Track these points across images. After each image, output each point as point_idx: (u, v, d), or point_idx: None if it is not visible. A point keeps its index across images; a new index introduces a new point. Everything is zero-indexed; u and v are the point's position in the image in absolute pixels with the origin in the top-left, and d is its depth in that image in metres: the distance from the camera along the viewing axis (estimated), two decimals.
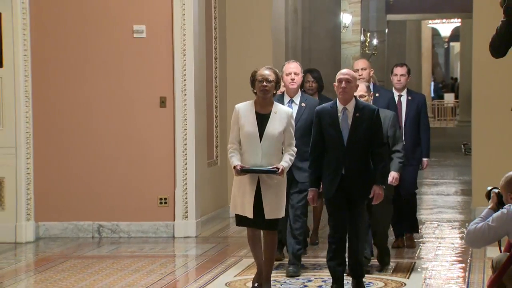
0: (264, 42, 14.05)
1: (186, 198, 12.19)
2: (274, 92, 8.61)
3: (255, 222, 8.52)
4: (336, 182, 8.46)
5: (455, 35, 43.45)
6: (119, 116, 12.15)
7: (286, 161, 8.48)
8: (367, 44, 30.85)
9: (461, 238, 12.47)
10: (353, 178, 8.45)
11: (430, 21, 40.98)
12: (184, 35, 12.06)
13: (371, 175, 8.55)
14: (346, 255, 8.68)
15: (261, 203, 8.46)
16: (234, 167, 8.41)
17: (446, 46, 48.97)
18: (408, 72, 11.45)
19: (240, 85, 12.25)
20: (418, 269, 10.25)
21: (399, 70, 11.38)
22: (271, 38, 14.35)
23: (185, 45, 12.06)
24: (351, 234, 8.56)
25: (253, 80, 8.52)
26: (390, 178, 9.59)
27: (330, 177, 8.52)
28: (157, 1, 12.12)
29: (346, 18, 27.84)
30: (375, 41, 31.89)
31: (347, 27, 28.15)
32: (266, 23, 14.29)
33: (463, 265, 10.49)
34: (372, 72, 11.06)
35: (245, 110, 8.57)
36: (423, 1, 29.04)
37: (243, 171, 8.36)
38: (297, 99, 9.74)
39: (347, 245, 8.67)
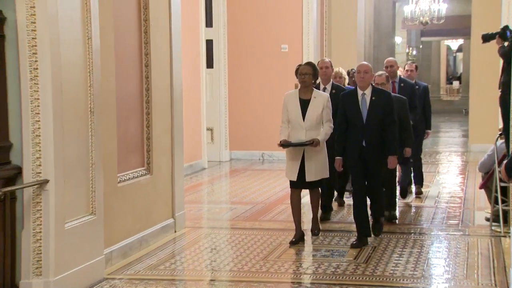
0: (352, 54, 13.49)
1: None
2: (313, 81, 6.17)
3: (300, 183, 6.19)
4: (357, 152, 6.05)
5: (459, 49, 41.45)
6: (273, 93, 11.78)
7: (321, 135, 6.05)
8: (410, 54, 29.87)
9: (463, 161, 11.92)
10: (371, 149, 6.04)
11: (445, 41, 39.17)
12: (308, 50, 11.65)
13: (385, 147, 6.10)
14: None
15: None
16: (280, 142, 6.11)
17: (454, 55, 46.64)
18: (416, 68, 8.63)
19: None
20: (438, 178, 9.84)
21: (409, 66, 8.61)
22: (356, 51, 13.82)
23: (308, 55, 11.63)
24: (371, 190, 6.19)
25: (297, 73, 6.18)
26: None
27: (353, 148, 6.08)
28: (293, 31, 11.67)
29: (398, 39, 27.07)
30: (414, 52, 30.91)
31: (399, 44, 27.43)
32: (353, 42, 13.79)
33: (463, 175, 10.14)
34: (399, 68, 8.20)
35: (291, 97, 6.17)
36: (441, 30, 27.74)
37: (284, 145, 6.01)
38: (329, 87, 7.03)
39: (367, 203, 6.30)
